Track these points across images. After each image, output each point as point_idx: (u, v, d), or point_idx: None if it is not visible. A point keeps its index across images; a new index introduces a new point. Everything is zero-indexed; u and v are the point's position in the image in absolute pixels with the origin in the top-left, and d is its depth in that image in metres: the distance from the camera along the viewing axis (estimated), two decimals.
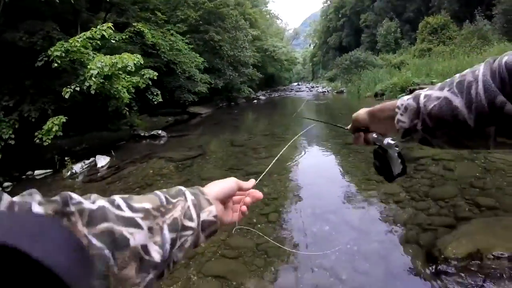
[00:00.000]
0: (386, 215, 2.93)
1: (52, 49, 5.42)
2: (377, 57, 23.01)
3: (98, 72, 5.63)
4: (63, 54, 5.41)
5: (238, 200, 0.59)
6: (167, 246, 0.40)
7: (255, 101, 19.96)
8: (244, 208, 0.59)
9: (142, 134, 8.64)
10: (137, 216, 0.38)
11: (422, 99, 0.51)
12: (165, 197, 0.44)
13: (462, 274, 1.96)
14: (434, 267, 2.08)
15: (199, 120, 12.30)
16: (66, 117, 5.71)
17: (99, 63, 5.67)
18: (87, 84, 5.72)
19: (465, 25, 17.77)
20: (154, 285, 0.39)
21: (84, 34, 5.79)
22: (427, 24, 20.57)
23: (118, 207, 0.37)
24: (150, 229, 0.38)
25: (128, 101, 7.14)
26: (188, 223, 0.44)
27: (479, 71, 0.45)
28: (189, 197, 0.47)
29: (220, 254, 2.51)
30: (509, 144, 0.43)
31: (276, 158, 0.77)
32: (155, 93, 8.97)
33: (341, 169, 4.68)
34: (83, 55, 5.83)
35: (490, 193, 3.06)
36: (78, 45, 5.58)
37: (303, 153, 5.46)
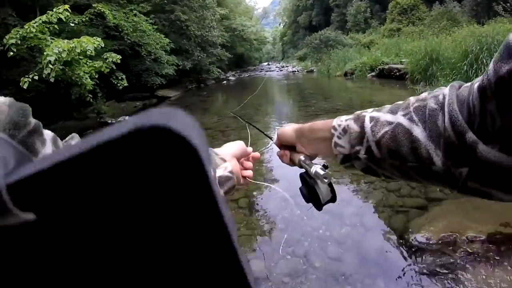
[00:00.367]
0: (358, 197, 2.94)
1: (7, 37, 5.20)
2: (347, 37, 23.23)
3: (56, 58, 5.46)
4: (19, 42, 5.21)
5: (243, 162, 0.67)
6: None
7: (225, 82, 19.73)
8: (251, 165, 0.67)
9: (110, 121, 8.47)
10: None
11: (367, 123, 0.43)
12: None
13: (436, 259, 1.96)
14: (407, 251, 2.09)
15: (168, 104, 12.12)
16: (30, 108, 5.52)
17: (56, 48, 5.49)
18: (45, 72, 5.55)
19: (435, 6, 18.04)
20: None
21: (40, 19, 5.56)
22: (397, 5, 20.86)
23: None
24: None
25: (91, 88, 6.98)
26: None
27: (443, 97, 0.37)
28: None
29: None
30: (481, 191, 0.34)
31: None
32: (119, 78, 8.75)
33: None
34: (41, 41, 5.62)
35: None
36: (34, 30, 5.38)
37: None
